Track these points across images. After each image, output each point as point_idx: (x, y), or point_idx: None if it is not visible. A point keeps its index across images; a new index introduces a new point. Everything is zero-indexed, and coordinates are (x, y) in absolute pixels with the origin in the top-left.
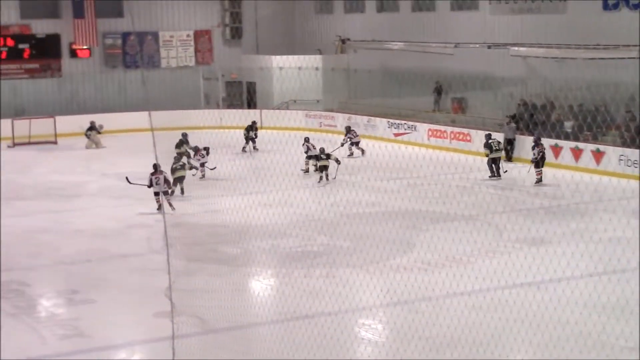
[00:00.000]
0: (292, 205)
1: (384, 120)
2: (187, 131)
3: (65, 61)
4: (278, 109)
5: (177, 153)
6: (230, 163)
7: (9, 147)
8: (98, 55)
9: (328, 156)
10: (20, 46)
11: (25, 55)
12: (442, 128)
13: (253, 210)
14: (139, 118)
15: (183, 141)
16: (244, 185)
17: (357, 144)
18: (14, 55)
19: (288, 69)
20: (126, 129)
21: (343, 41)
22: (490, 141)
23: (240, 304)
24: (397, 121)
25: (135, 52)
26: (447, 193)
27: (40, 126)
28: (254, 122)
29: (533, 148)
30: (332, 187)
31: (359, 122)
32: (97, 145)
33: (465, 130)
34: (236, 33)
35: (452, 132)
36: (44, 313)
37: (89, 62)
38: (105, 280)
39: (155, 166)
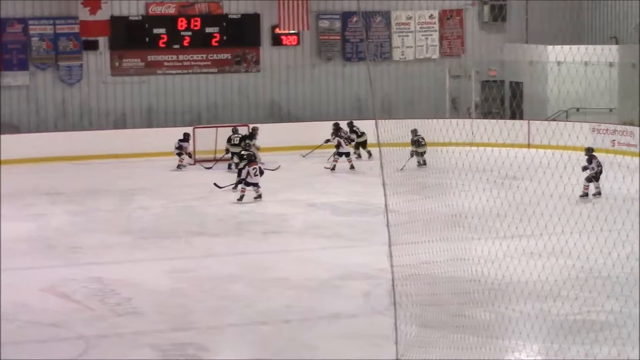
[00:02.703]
0: (570, 256)
1: None
2: (428, 147)
3: (266, 50)
4: (554, 120)
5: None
6: (485, 194)
7: (189, 165)
8: (309, 43)
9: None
10: (208, 30)
11: (214, 42)
12: None
13: (515, 261)
14: (362, 128)
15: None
16: (503, 225)
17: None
18: (200, 42)
19: (570, 65)
20: None
21: None
22: None
23: None
24: None
25: (359, 39)
26: None
27: None
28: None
29: (590, 162)
30: (630, 233)
31: None
32: None
33: None
34: (499, 14)
35: None
36: None
37: (296, 52)
38: (309, 348)
39: (250, 156)
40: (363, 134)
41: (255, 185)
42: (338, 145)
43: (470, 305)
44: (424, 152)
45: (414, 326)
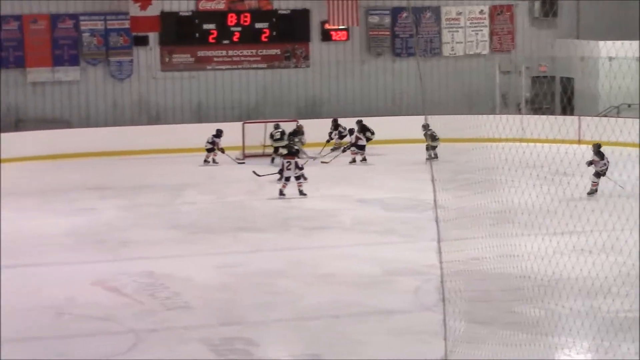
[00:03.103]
0: (621, 253)
1: None
2: (478, 143)
3: (315, 46)
4: (605, 116)
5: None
6: (534, 191)
7: (237, 159)
8: (358, 39)
9: None
10: (258, 26)
11: (264, 37)
12: None
13: (565, 258)
14: (411, 124)
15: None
16: (553, 222)
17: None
18: (250, 37)
19: (622, 60)
20: (393, 139)
21: None
22: None
23: None
24: None
25: (408, 34)
26: None
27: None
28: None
29: (602, 157)
30: None
31: None
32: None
33: None
34: (550, 10)
35: None
36: None
37: (345, 48)
38: (358, 343)
39: (290, 149)
40: (373, 132)
41: (298, 178)
42: (357, 139)
43: (520, 301)
44: (436, 146)
45: (463, 322)
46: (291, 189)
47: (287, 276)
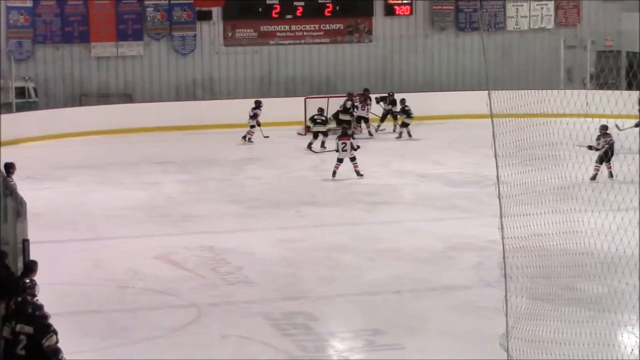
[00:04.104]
0: None
1: None
2: (541, 119)
3: (378, 21)
4: None
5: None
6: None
7: (299, 134)
8: (422, 13)
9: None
10: (321, 0)
11: (327, 12)
12: None
13: (629, 234)
14: (473, 99)
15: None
16: (618, 197)
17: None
18: (313, 12)
19: None
20: (456, 114)
21: None
22: None
23: None
24: None
25: (472, 8)
26: None
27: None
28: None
29: (598, 138)
30: None
31: None
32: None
33: None
34: None
35: None
36: (335, 357)
37: (409, 22)
38: (419, 319)
39: (345, 129)
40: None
41: (353, 159)
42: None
43: (582, 278)
44: (409, 124)
45: (524, 298)
46: (345, 168)
47: (348, 251)
